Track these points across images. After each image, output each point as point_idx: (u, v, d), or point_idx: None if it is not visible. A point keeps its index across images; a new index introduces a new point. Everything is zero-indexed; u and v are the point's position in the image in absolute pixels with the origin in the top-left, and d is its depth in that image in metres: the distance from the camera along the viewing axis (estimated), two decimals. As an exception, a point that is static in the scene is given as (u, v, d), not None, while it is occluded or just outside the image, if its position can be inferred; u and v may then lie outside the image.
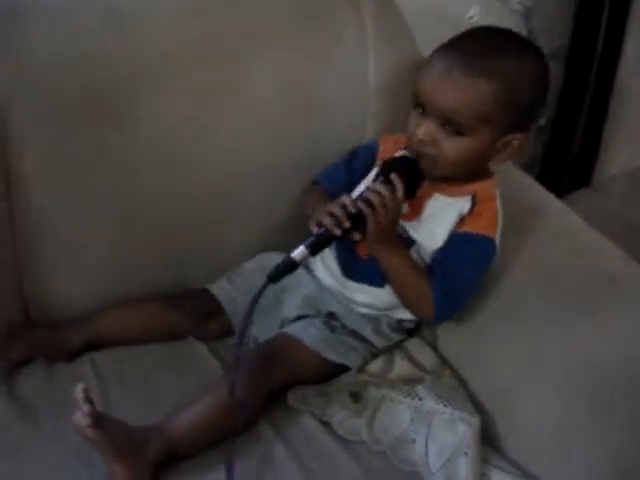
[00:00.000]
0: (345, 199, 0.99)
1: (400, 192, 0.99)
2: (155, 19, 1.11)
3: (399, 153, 1.04)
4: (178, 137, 1.12)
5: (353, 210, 0.97)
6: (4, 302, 1.11)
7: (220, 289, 1.16)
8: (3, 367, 1.08)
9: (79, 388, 0.91)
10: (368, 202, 0.98)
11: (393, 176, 0.99)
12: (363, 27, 1.20)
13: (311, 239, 0.97)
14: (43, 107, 1.04)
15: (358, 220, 0.98)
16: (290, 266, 0.96)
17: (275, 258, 1.09)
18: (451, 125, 0.99)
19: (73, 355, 1.10)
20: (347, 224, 0.97)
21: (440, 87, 1.00)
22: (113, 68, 1.07)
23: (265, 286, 0.95)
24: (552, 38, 1.79)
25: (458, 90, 0.99)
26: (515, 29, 1.73)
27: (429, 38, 1.09)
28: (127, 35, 1.08)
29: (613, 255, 1.11)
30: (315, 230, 0.98)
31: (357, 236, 0.99)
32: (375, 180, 1.01)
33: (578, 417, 0.98)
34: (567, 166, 1.76)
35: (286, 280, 1.12)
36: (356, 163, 1.14)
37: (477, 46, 1.02)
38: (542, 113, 1.07)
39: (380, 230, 0.99)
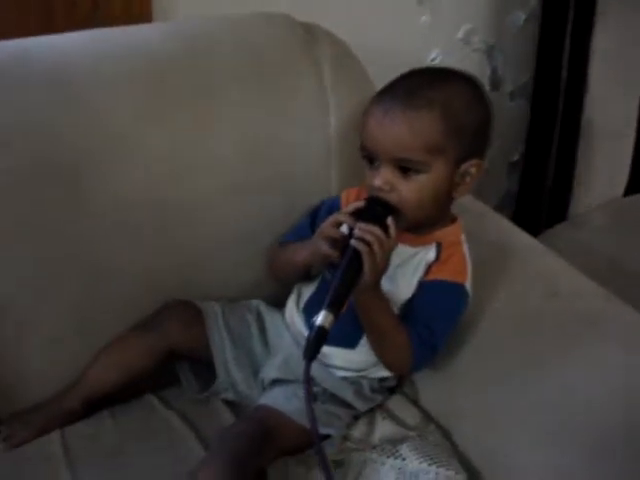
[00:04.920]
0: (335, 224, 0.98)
1: (393, 230, 0.95)
2: (107, 84, 1.09)
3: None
4: (139, 203, 1.10)
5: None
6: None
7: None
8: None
9: None
10: (362, 240, 0.93)
11: (389, 220, 0.95)
12: (321, 79, 1.19)
13: (328, 299, 0.90)
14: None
15: (353, 261, 0.92)
16: (322, 336, 0.89)
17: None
18: (405, 166, 0.98)
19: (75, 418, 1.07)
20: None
21: (383, 131, 0.98)
22: (66, 139, 1.05)
23: (308, 368, 0.89)
24: (517, 75, 1.80)
25: (402, 128, 0.97)
26: (478, 68, 1.76)
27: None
28: (78, 105, 1.06)
29: (594, 294, 1.09)
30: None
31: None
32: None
33: (575, 467, 0.93)
34: (543, 201, 1.75)
35: (271, 336, 1.12)
36: (320, 219, 1.10)
37: (408, 84, 1.01)
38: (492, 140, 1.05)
39: (376, 272, 0.94)
